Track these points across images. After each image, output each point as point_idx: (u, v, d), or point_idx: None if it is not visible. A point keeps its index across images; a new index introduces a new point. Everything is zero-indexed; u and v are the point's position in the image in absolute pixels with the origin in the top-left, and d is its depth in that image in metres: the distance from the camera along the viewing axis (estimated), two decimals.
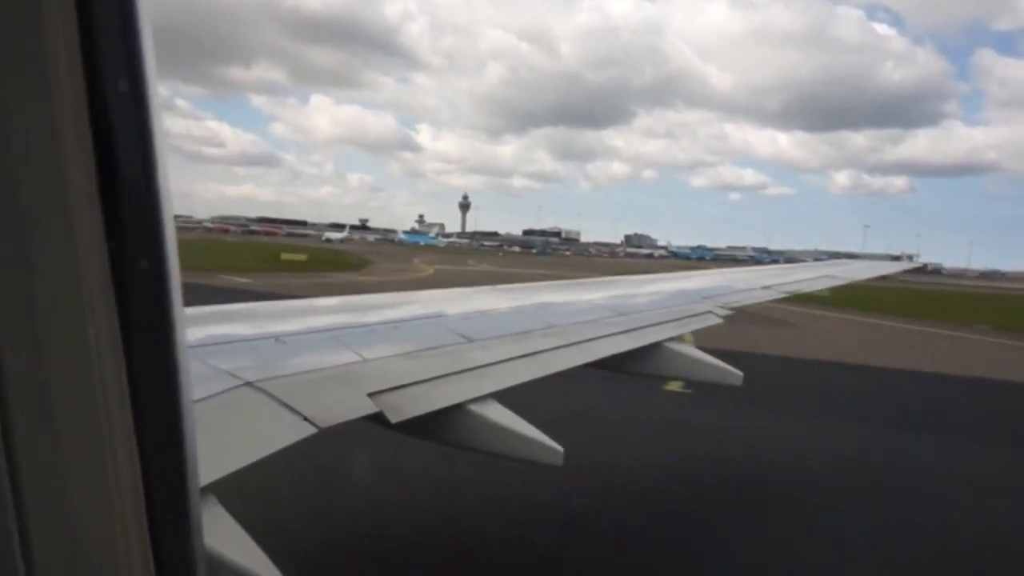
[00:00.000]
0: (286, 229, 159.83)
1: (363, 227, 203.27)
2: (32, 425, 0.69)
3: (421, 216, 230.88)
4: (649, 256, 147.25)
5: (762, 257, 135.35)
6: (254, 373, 2.70)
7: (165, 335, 0.77)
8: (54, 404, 0.70)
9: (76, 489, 0.72)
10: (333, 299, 4.74)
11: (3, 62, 0.64)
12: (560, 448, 3.20)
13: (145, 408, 0.75)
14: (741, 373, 5.11)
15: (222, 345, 3.03)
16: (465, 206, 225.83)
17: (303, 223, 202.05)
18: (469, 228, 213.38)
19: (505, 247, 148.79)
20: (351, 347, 3.35)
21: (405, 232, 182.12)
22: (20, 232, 0.66)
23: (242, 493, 2.39)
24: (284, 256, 52.41)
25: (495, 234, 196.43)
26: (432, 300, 5.26)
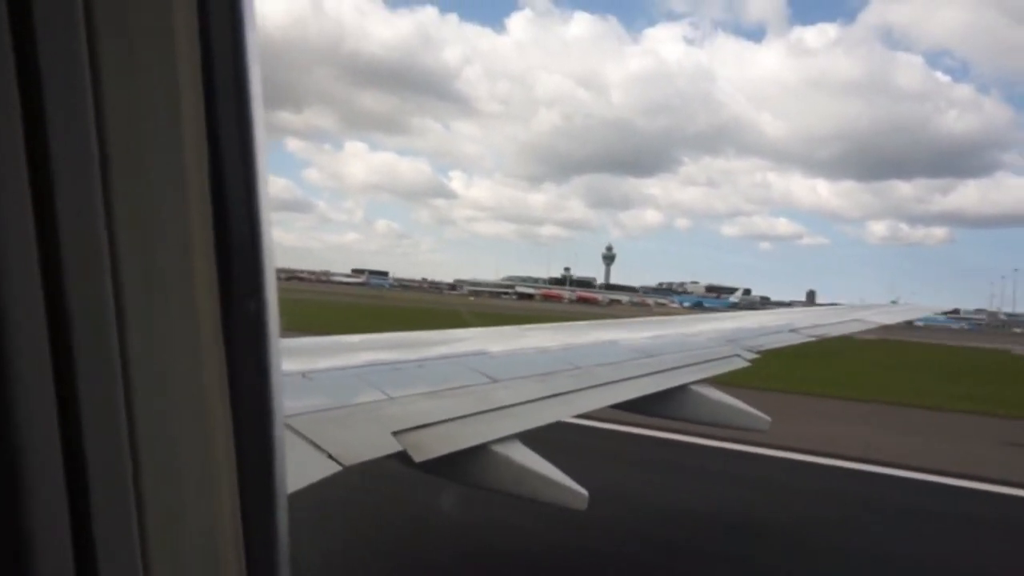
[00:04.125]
0: (578, 291, 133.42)
1: (580, 282, 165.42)
2: (153, 455, 0.76)
3: (567, 269, 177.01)
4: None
5: None
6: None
7: (264, 373, 0.86)
8: (170, 430, 0.78)
9: (190, 514, 0.80)
10: (360, 336, 4.79)
11: (139, 123, 0.73)
12: (584, 492, 3.15)
13: (245, 435, 0.83)
14: (769, 418, 5.01)
15: None
16: (609, 258, 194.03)
17: (590, 283, 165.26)
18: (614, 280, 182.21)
19: None
20: (376, 385, 3.37)
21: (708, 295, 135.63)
22: (148, 286, 0.74)
23: None
24: None
25: (671, 290, 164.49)
26: (459, 340, 5.29)
